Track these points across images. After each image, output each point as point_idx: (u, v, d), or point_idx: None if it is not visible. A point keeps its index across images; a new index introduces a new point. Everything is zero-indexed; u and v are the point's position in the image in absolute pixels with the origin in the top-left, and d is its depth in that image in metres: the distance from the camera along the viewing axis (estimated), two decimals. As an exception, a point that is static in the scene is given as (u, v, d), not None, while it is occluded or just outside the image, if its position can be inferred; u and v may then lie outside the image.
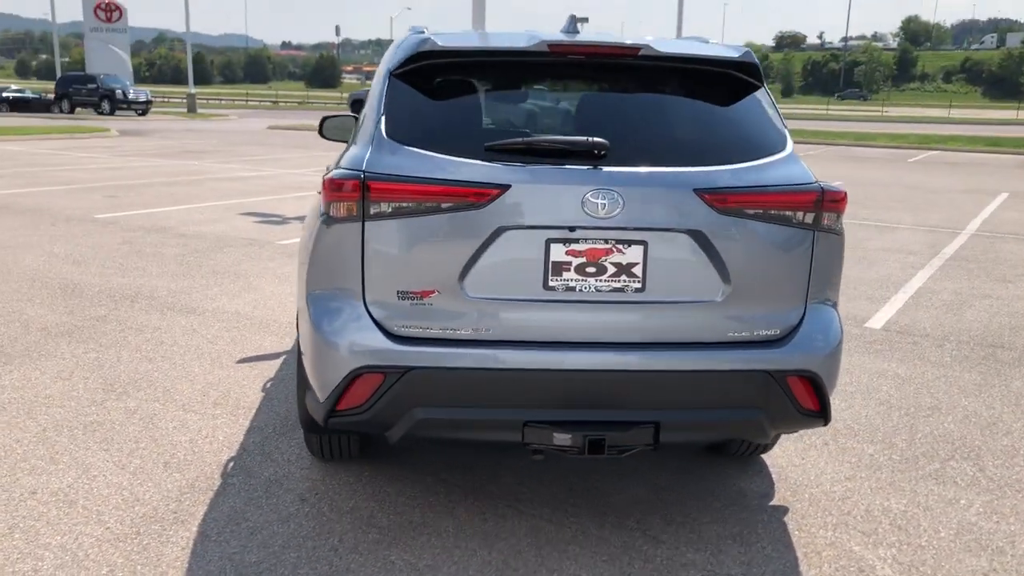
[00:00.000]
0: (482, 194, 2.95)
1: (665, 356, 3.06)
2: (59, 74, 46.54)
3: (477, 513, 3.59)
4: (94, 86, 42.27)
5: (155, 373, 5.19)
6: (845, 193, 3.22)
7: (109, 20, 48.20)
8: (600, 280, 3.03)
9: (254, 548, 3.28)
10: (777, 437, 3.93)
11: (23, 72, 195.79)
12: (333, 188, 3.04)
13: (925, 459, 4.27)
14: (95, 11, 47.76)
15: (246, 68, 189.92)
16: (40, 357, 5.44)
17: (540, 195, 2.97)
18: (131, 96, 42.54)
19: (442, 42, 3.18)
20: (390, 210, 2.99)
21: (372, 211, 2.99)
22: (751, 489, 3.90)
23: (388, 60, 3.36)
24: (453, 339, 3.04)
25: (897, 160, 25.26)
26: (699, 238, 3.04)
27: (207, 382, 5.06)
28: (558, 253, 3.01)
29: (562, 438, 3.02)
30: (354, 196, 2.99)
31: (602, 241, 3.01)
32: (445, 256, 2.99)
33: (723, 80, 3.34)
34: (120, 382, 5.02)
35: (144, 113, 43.20)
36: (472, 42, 3.28)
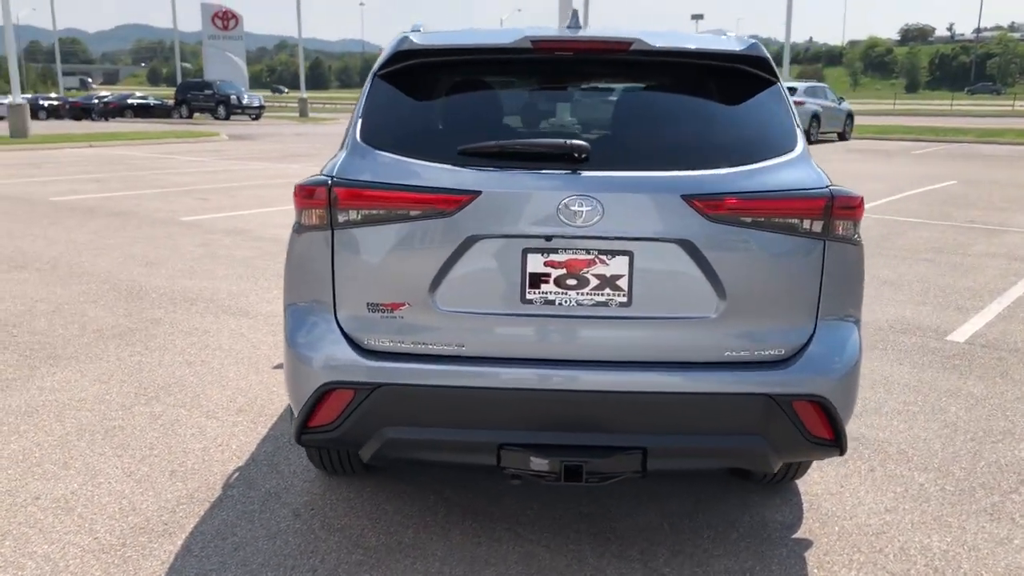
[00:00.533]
0: (450, 201, 2.77)
1: (653, 376, 2.82)
2: (179, 81, 48.58)
3: (472, 536, 3.41)
4: (211, 92, 43.99)
5: (191, 377, 5.20)
6: (861, 199, 2.90)
7: (226, 28, 50.08)
8: (582, 293, 2.81)
9: (233, 566, 3.19)
10: (801, 466, 3.61)
11: (154, 79, 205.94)
12: (303, 196, 2.91)
13: (983, 491, 3.86)
14: (213, 20, 49.69)
15: (362, 73, 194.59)
16: (87, 360, 5.53)
17: (513, 202, 2.77)
18: (245, 101, 44.09)
19: (420, 41, 3.02)
20: (359, 218, 2.84)
21: (340, 219, 2.85)
22: (775, 519, 3.58)
23: (377, 61, 3.22)
24: (425, 354, 2.87)
25: (1022, 158, 23.76)
26: (689, 248, 2.78)
27: (237, 388, 5.04)
28: (536, 264, 2.80)
29: (540, 463, 2.82)
30: (322, 204, 2.86)
31: (583, 251, 2.79)
32: (415, 267, 2.83)
33: (728, 75, 3.06)
34: (154, 386, 5.05)
35: (257, 118, 44.68)
36: (453, 40, 3.09)
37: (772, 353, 2.86)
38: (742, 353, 2.85)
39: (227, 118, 43.56)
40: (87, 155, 22.51)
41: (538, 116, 3.33)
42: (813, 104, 27.52)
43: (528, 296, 2.81)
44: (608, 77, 3.17)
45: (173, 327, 6.29)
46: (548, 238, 2.77)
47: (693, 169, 2.80)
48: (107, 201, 13.06)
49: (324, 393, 2.89)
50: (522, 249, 2.79)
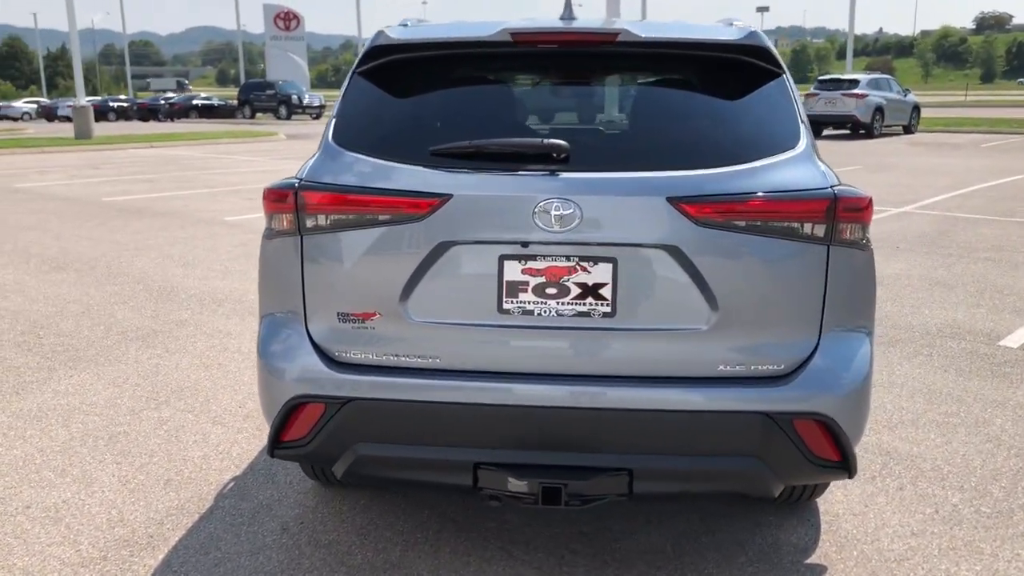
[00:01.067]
0: (420, 205, 2.60)
1: (640, 392, 2.62)
2: (242, 81, 49.40)
3: (462, 555, 3.24)
4: (272, 92, 44.61)
5: (205, 381, 5.14)
6: (869, 199, 2.65)
7: (288, 29, 50.74)
8: (562, 303, 2.62)
9: (211, 582, 3.08)
10: (817, 486, 3.36)
11: (223, 80, 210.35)
12: (271, 200, 2.78)
13: (1023, 513, 3.56)
14: (275, 21, 50.41)
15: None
16: (105, 362, 5.51)
17: (487, 206, 2.60)
18: (306, 101, 44.64)
19: (396, 36, 2.86)
20: (327, 223, 2.69)
21: (308, 224, 2.71)
22: (788, 541, 3.34)
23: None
24: (397, 367, 2.72)
25: (1097, 150, 22.71)
26: (677, 255, 2.57)
27: (248, 392, 4.95)
28: (513, 272, 2.62)
29: (517, 484, 2.64)
30: (290, 209, 2.72)
31: (563, 258, 2.60)
32: (385, 275, 2.67)
33: (725, 68, 2.84)
34: (167, 390, 4.99)
35: (318, 117, 45.18)
36: (431, 34, 2.92)
37: (771, 368, 2.64)
38: (737, 367, 2.63)
39: (288, 118, 44.13)
40: (146, 156, 22.95)
41: (519, 114, 3.13)
42: (876, 97, 26.70)
43: (505, 306, 2.64)
44: (594, 71, 2.98)
45: (197, 329, 6.25)
46: (525, 244, 2.59)
47: (681, 169, 2.59)
48: (156, 201, 13.22)
49: (295, 407, 2.76)
50: (498, 256, 2.62)
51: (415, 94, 2.92)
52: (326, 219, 2.69)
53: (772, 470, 2.65)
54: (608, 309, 2.61)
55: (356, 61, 2.98)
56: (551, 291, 2.62)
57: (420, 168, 2.65)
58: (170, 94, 63.44)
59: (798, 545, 3.32)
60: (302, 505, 3.63)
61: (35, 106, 58.37)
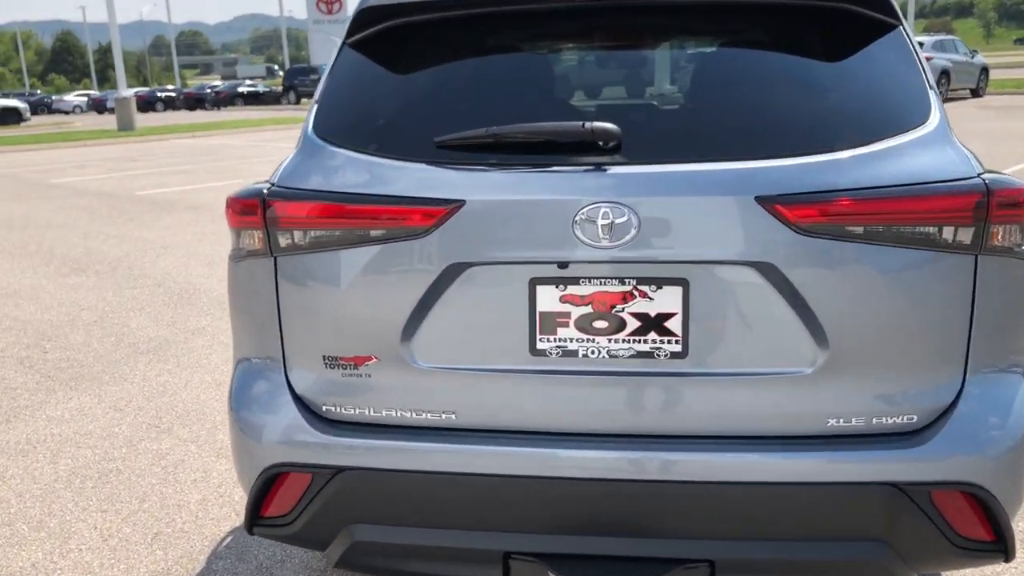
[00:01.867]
0: (423, 215, 1.96)
1: (721, 458, 1.96)
2: (287, 67, 49.21)
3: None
4: (316, 77, 44.20)
5: (214, 403, 4.58)
6: (1033, 190, 1.94)
7: (330, 12, 50.24)
8: (616, 340, 1.97)
9: None
10: None
11: (271, 67, 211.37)
12: (235, 211, 2.17)
13: None
14: (317, 5, 49.95)
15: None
16: (110, 381, 4.99)
17: (512, 213, 1.95)
18: (349, 85, 44.18)
19: None
20: (306, 241, 2.07)
21: (282, 242, 2.09)
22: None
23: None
24: (401, 426, 2.09)
25: None
26: (771, 275, 1.90)
27: (261, 417, 4.38)
28: (549, 300, 1.97)
29: (562, 581, 2.00)
30: (257, 223, 2.10)
31: (615, 281, 1.94)
32: (381, 308, 2.04)
33: (824, 19, 2.14)
34: (171, 415, 4.44)
35: (362, 100, 44.76)
36: None
37: (898, 421, 1.96)
38: (853, 422, 1.96)
39: (332, 102, 43.76)
40: (186, 146, 22.66)
41: (554, 90, 2.43)
42: (942, 59, 25.33)
43: (540, 345, 1.99)
44: (648, 32, 2.29)
45: (213, 339, 5.71)
46: (564, 264, 1.94)
47: (774, 158, 1.91)
48: (188, 194, 12.78)
49: (274, 477, 2.15)
50: (529, 280, 1.97)
51: (419, 69, 2.27)
52: (304, 236, 2.06)
53: (902, 557, 1.98)
54: (677, 348, 1.95)
55: (346, 29, 2.35)
56: (600, 325, 1.96)
57: (424, 166, 2.01)
58: (216, 83, 63.64)
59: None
60: (309, 568, 3.04)
61: (86, 99, 58.95)
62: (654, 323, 1.95)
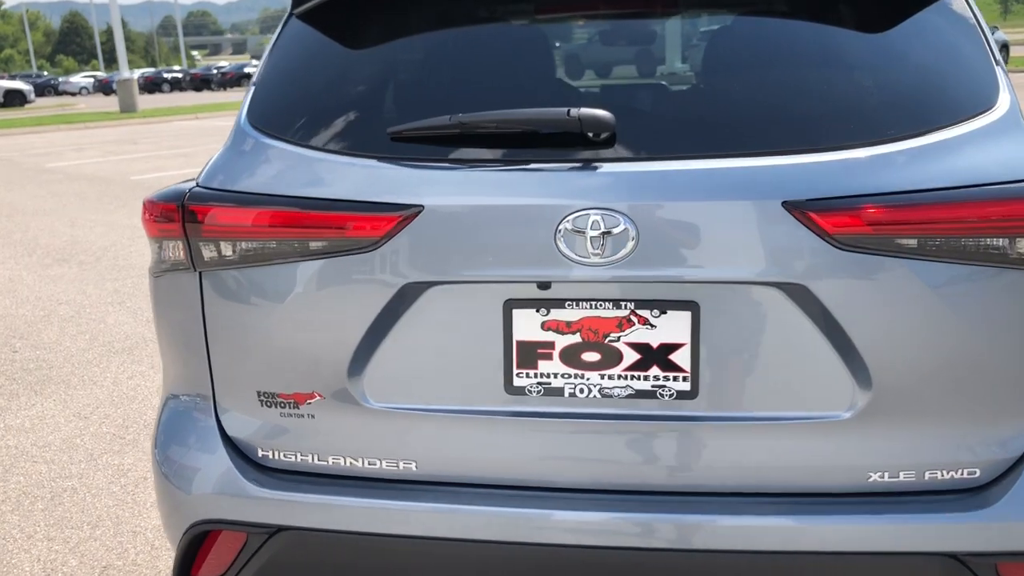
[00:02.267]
0: (374, 223, 1.60)
1: (738, 521, 1.60)
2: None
3: None
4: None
5: (186, 410, 4.24)
6: None
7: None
8: (610, 377, 1.61)
9: None
10: None
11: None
12: (152, 217, 1.81)
13: None
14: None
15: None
16: (78, 384, 4.66)
17: (481, 222, 1.58)
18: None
19: None
20: (234, 254, 1.71)
21: (206, 255, 1.73)
22: None
23: None
24: (351, 476, 1.74)
25: None
26: (801, 298, 1.53)
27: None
28: (528, 327, 1.61)
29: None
30: (176, 231, 1.74)
31: (609, 304, 1.58)
32: (324, 336, 1.68)
33: None
34: (138, 424, 4.11)
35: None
36: None
37: (957, 477, 1.60)
38: (901, 477, 1.60)
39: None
40: (189, 128, 22.30)
41: (533, 71, 2.01)
42: (960, 36, 24.71)
43: (517, 381, 1.63)
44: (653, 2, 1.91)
45: (193, 336, 5.36)
46: (545, 284, 1.58)
47: (806, 152, 1.54)
48: (186, 179, 12.41)
49: (203, 535, 1.80)
50: (503, 302, 1.61)
51: (376, 44, 1.90)
52: (232, 248, 1.70)
53: (961, 642, 1.62)
54: (685, 386, 1.59)
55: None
56: (591, 357, 1.60)
57: (375, 163, 1.65)
58: (223, 63, 63.24)
59: None
60: (270, 610, 2.69)
61: (92, 80, 58.59)
62: (657, 356, 1.59)
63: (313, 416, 1.72)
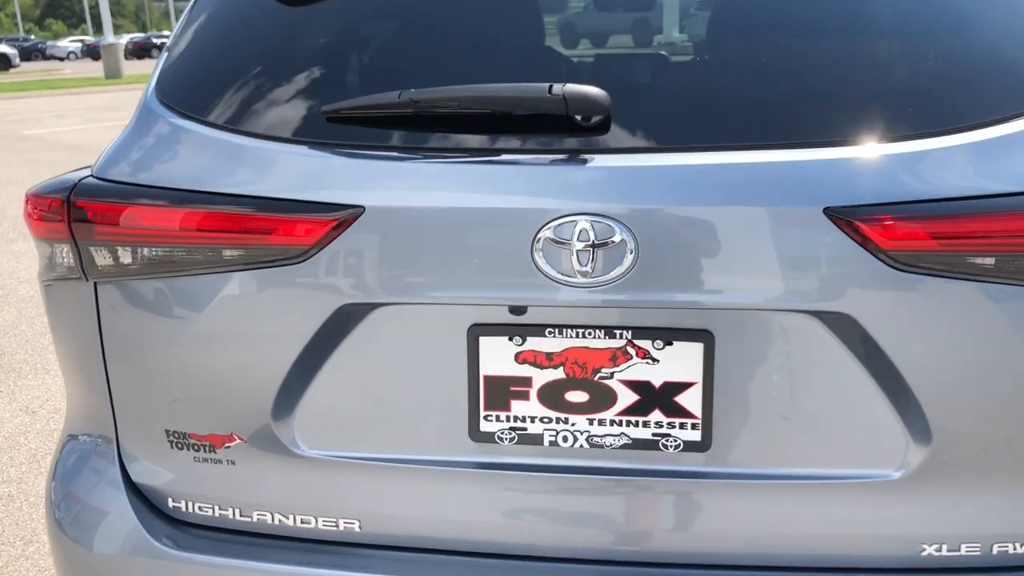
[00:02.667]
0: (304, 228, 1.26)
1: None
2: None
3: None
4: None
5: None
6: None
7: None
8: (601, 422, 1.29)
9: None
10: None
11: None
12: (36, 215, 1.47)
13: None
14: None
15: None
16: (30, 373, 4.34)
17: (438, 228, 1.25)
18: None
19: None
20: (134, 262, 1.37)
21: (99, 261, 1.39)
22: None
23: None
24: (279, 536, 1.41)
25: None
26: (844, 330, 1.20)
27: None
28: (499, 359, 1.28)
29: None
30: (62, 233, 1.40)
31: (600, 332, 1.25)
32: (243, 366, 1.35)
33: None
34: (89, 420, 3.78)
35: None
36: None
37: None
38: (963, 551, 1.28)
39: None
40: (175, 95, 21.82)
41: (510, 38, 1.63)
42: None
43: (485, 426, 1.31)
44: None
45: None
46: (519, 308, 1.25)
47: (852, 145, 1.20)
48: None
49: (102, 600, 1.48)
50: (467, 328, 1.28)
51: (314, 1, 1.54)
52: (132, 254, 1.36)
53: None
54: (695, 435, 1.27)
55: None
56: (576, 398, 1.28)
57: (305, 151, 1.31)
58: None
59: None
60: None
61: (80, 45, 57.62)
62: (659, 397, 1.26)
63: (233, 462, 1.40)
